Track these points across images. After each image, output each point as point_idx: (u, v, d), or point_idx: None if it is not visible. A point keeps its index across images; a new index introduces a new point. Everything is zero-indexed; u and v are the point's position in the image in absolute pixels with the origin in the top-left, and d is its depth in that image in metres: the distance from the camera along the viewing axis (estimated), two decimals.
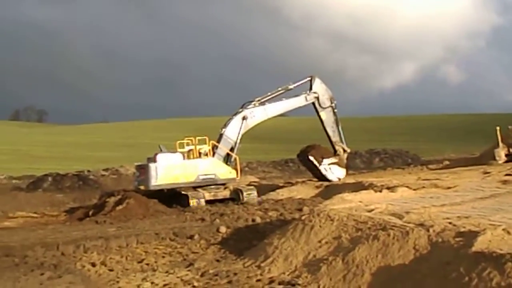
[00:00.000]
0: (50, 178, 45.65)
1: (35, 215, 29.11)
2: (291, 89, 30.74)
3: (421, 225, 12.20)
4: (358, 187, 26.74)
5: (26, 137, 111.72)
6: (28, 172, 54.98)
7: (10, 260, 16.72)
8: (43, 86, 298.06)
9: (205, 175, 27.65)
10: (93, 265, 15.65)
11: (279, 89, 30.31)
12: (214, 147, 28.58)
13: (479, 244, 10.42)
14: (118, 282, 13.38)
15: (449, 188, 22.64)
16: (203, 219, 21.88)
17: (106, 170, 53.54)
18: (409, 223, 12.73)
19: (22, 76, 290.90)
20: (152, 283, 13.06)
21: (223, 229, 18.70)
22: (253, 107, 29.49)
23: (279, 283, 12.28)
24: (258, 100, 29.70)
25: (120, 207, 25.64)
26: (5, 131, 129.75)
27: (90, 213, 26.78)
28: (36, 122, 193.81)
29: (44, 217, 28.75)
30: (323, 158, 31.72)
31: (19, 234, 22.04)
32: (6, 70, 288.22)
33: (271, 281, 12.56)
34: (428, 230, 11.69)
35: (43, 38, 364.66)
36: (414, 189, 23.03)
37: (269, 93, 30.09)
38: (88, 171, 52.35)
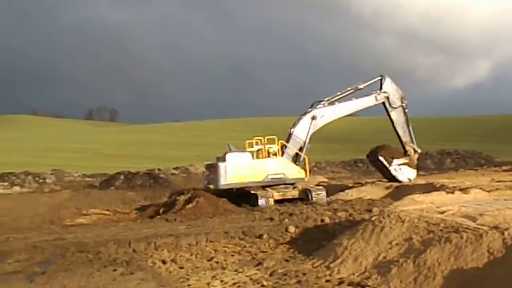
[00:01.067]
0: (122, 176, 46.53)
1: (107, 212, 29.78)
2: (361, 88, 30.42)
3: (496, 227, 11.85)
4: (429, 188, 26.26)
5: (98, 136, 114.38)
6: (101, 170, 56.25)
7: (84, 256, 17.13)
8: (116, 86, 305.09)
9: (274, 174, 27.69)
10: (164, 262, 15.86)
11: (349, 89, 30.04)
12: (283, 147, 28.59)
13: None
14: (188, 279, 13.51)
15: None
16: (271, 219, 21.90)
17: (176, 168, 54.26)
18: (482, 225, 12.40)
19: (96, 76, 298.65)
20: (221, 281, 13.13)
21: (292, 228, 18.67)
22: (323, 107, 29.34)
23: (349, 284, 12.16)
24: (328, 100, 29.53)
25: (190, 205, 25.95)
26: (79, 130, 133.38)
27: (161, 211, 27.21)
28: (108, 121, 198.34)
29: (116, 214, 29.38)
30: (393, 158, 31.27)
31: (93, 231, 22.57)
32: (81, 70, 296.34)
33: (341, 282, 12.44)
34: (502, 233, 11.35)
35: (116, 38, 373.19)
36: (488, 191, 22.46)
37: (338, 93, 29.86)
38: (159, 169, 53.17)
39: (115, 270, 14.63)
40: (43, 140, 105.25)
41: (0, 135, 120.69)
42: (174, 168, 54.36)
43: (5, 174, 49.04)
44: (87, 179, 52.19)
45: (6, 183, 47.41)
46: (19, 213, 29.47)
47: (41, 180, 49.34)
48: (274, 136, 28.93)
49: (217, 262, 15.62)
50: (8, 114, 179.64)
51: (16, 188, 46.26)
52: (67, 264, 16.26)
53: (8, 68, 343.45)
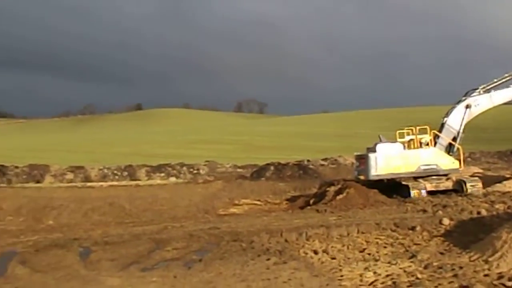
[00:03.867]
0: (272, 167, 47.22)
1: (258, 202, 30.37)
2: None
3: None
4: None
5: (248, 128, 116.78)
6: (251, 162, 57.38)
7: (238, 244, 17.56)
8: (264, 79, 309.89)
9: (427, 165, 27.00)
10: (316, 252, 15.92)
11: (506, 75, 28.53)
12: (436, 137, 27.78)
13: None
14: (340, 270, 13.47)
15: None
16: (424, 210, 21.39)
17: (325, 160, 54.25)
18: None
19: (244, 70, 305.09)
20: (374, 273, 12.98)
21: (446, 221, 18.12)
22: (478, 95, 28.14)
23: (509, 279, 11.60)
24: (483, 88, 28.26)
25: (341, 196, 25.90)
26: (229, 122, 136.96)
27: (311, 201, 27.37)
28: (257, 114, 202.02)
29: (267, 204, 29.90)
30: None
31: (245, 220, 23.12)
32: (229, 65, 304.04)
33: (500, 276, 11.90)
34: None
35: (262, 32, 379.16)
36: None
37: (495, 80, 28.44)
38: (308, 160, 53.40)
39: (268, 259, 14.87)
40: (196, 132, 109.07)
41: (155, 128, 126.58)
42: (323, 159, 54.39)
43: (162, 165, 51.36)
44: (239, 170, 53.46)
45: (163, 174, 49.69)
46: (176, 202, 30.73)
47: (195, 171, 51.20)
48: (426, 126, 28.18)
49: (369, 254, 15.46)
50: (161, 108, 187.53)
51: (172, 179, 48.33)
52: (222, 252, 16.75)
53: (161, 62, 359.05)
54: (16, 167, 48.32)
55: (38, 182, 46.10)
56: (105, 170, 49.25)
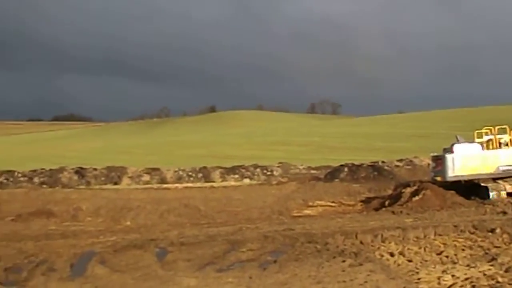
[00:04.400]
0: (346, 169, 46.89)
1: (333, 204, 30.21)
2: None
3: None
4: None
5: (321, 129, 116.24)
6: (324, 163, 57.06)
7: (313, 246, 17.50)
8: (336, 79, 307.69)
9: (506, 166, 26.25)
10: (392, 255, 15.69)
11: None
12: None
13: None
14: (417, 273, 13.23)
15: None
16: (504, 212, 20.83)
17: (400, 160, 53.42)
18: None
19: (316, 71, 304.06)
20: (452, 276, 12.69)
21: None
22: None
23: None
24: None
25: (417, 198, 25.51)
26: (302, 123, 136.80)
27: (386, 203, 27.04)
28: (330, 115, 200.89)
29: (341, 206, 29.71)
30: None
31: (319, 222, 23.04)
32: (302, 66, 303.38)
33: None
34: None
35: (333, 32, 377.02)
36: None
37: None
38: (383, 161, 52.74)
39: (343, 261, 14.76)
40: (269, 134, 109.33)
41: (229, 130, 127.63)
42: (398, 160, 53.56)
43: (236, 167, 51.72)
44: (312, 171, 53.26)
45: (237, 176, 50.05)
46: (250, 204, 30.92)
47: (268, 173, 51.35)
48: (505, 126, 27.40)
49: (447, 256, 15.12)
50: (235, 110, 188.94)
51: (246, 180, 48.63)
52: (296, 254, 16.73)
53: (236, 65, 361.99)
54: (95, 169, 49.63)
55: (115, 183, 47.24)
56: (180, 172, 49.99)
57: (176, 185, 45.60)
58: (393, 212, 24.21)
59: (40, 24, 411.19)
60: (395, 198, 27.15)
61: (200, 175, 49.92)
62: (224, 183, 46.61)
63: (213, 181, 48.21)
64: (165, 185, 45.46)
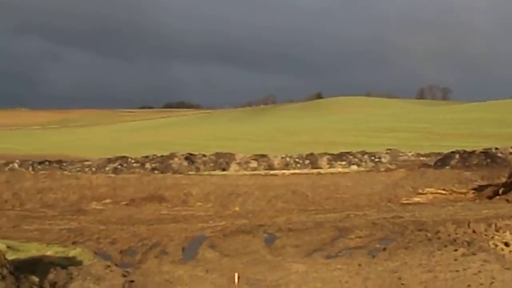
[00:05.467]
0: (457, 156, 45.49)
1: (443, 191, 29.43)
2: None
3: None
4: None
5: (430, 115, 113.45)
6: (434, 150, 55.71)
7: (423, 234, 17.15)
8: (446, 64, 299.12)
9: None
10: (507, 244, 15.14)
11: None
12: None
13: None
14: None
15: None
16: None
17: None
18: None
19: (426, 55, 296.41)
20: None
21: None
22: None
23: None
24: None
25: None
26: (411, 109, 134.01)
27: (500, 191, 26.11)
28: (440, 100, 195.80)
29: (452, 194, 28.90)
30: None
31: (430, 210, 22.53)
32: (410, 50, 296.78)
33: None
34: None
35: (444, 13, 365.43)
36: None
37: None
38: (496, 148, 50.79)
39: (456, 250, 14.36)
40: (376, 120, 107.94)
41: (336, 116, 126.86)
42: None
43: (343, 153, 51.31)
44: (421, 158, 52.08)
45: (344, 162, 49.67)
46: (358, 191, 30.63)
47: (376, 159, 50.64)
48: None
49: None
50: (342, 96, 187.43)
51: (354, 167, 48.18)
52: (406, 242, 16.45)
53: (343, 52, 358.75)
54: (204, 155, 50.58)
55: (224, 170, 47.97)
56: (288, 159, 50.12)
57: (283, 171, 45.77)
58: (507, 201, 23.34)
59: (152, 12, 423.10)
60: (510, 186, 26.12)
61: (307, 161, 49.88)
62: (332, 170, 46.37)
63: (320, 168, 48.06)
64: (272, 172, 45.73)
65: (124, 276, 12.61)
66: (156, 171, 46.13)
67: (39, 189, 32.77)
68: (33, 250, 15.74)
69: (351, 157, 50.72)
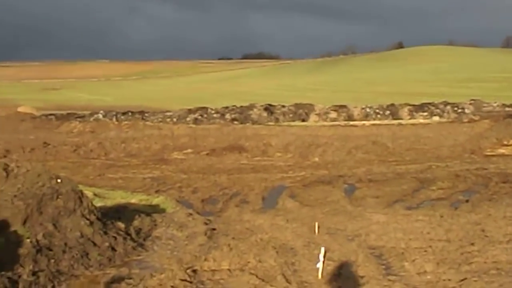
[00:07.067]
0: None
1: None
2: None
3: None
4: None
5: None
6: None
7: (508, 186, 16.80)
8: None
9: None
10: None
11: None
12: None
13: None
14: None
15: None
16: None
17: None
18: None
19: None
20: None
21: None
22: None
23: None
24: None
25: None
26: (496, 59, 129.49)
27: None
28: None
29: None
30: None
31: None
32: None
33: None
34: None
35: None
36: None
37: None
38: None
39: None
40: (460, 70, 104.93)
41: (417, 66, 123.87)
42: None
43: (424, 104, 50.31)
44: (507, 109, 50.48)
45: (425, 113, 48.71)
46: (440, 142, 30.09)
47: (459, 110, 49.40)
48: None
49: None
50: (423, 46, 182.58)
51: (435, 118, 47.23)
52: (490, 194, 16.12)
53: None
54: (283, 106, 50.63)
55: (303, 120, 47.95)
56: (368, 109, 49.59)
57: (363, 122, 45.39)
58: None
59: None
60: None
61: (387, 112, 49.22)
62: (412, 121, 45.64)
63: (401, 119, 47.39)
64: (352, 122, 45.43)
65: (206, 224, 12.86)
66: (235, 122, 46.58)
67: (122, 138, 33.71)
68: (118, 197, 16.25)
69: (433, 107, 49.68)
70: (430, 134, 33.63)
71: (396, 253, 9.92)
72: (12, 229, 9.70)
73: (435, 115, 48.42)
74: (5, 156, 25.43)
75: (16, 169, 11.08)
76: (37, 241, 9.57)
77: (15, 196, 10.20)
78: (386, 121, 45.83)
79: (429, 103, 50.63)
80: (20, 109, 61.09)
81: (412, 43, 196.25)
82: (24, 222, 9.87)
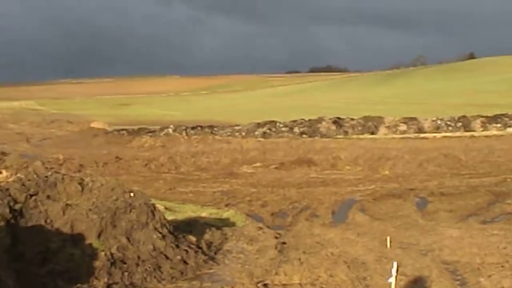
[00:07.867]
0: None
1: None
2: None
3: None
4: None
5: None
6: None
7: None
8: None
9: None
10: None
11: None
12: None
13: None
14: None
15: None
16: None
17: None
18: None
19: None
20: None
21: None
22: None
23: None
24: None
25: None
26: None
27: None
28: None
29: None
30: None
31: None
32: None
33: None
34: None
35: None
36: None
37: None
38: None
39: None
40: None
41: (489, 77, 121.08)
42: None
43: (498, 116, 49.03)
44: None
45: (499, 125, 47.49)
46: None
47: None
48: None
49: None
50: (496, 56, 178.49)
51: (510, 130, 45.99)
52: None
53: (497, 10, 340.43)
54: (352, 119, 50.25)
55: (372, 133, 47.46)
56: (438, 121, 48.69)
57: (434, 134, 44.61)
58: None
59: None
60: None
61: (459, 124, 48.20)
62: (486, 133, 44.58)
63: (473, 131, 46.33)
64: (422, 135, 44.73)
65: (276, 237, 12.86)
66: (304, 135, 46.48)
67: (192, 153, 34.11)
68: (188, 211, 16.44)
69: (506, 119, 48.36)
70: (504, 146, 32.79)
71: (471, 269, 9.68)
72: (87, 242, 9.93)
73: (509, 126, 47.14)
74: (79, 171, 26.07)
75: (90, 183, 11.33)
76: (111, 254, 9.76)
77: (90, 210, 10.44)
78: (458, 133, 44.92)
79: (503, 115, 49.32)
80: (93, 125, 62.55)
81: (483, 53, 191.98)
82: (99, 235, 10.08)
